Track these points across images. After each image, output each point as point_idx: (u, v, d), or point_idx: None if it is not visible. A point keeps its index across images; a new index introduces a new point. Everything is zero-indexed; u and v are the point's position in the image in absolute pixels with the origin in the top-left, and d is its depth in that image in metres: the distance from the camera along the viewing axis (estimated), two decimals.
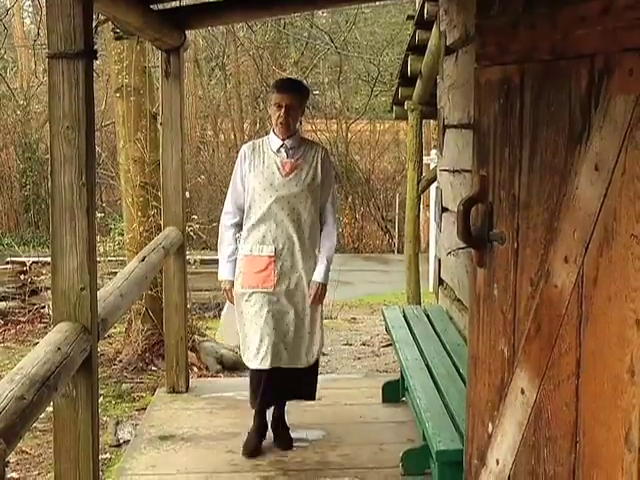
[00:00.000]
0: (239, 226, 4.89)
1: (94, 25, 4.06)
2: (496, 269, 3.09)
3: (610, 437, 2.35)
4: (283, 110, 4.69)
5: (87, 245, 3.19)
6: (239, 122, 18.97)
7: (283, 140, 4.78)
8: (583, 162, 2.44)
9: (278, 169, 4.76)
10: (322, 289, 4.86)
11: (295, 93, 4.75)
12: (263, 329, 4.74)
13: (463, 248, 3.32)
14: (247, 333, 4.83)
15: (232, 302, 4.94)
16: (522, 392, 2.86)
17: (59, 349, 2.94)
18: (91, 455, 3.26)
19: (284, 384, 4.86)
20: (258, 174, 4.76)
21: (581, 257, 2.48)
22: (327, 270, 4.87)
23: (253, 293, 4.77)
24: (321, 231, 4.91)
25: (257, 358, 4.77)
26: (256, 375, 4.85)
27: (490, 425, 3.12)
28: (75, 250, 3.19)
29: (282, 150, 4.79)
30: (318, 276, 4.83)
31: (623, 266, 2.27)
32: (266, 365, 4.74)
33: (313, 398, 5.01)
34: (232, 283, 4.88)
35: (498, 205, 3.06)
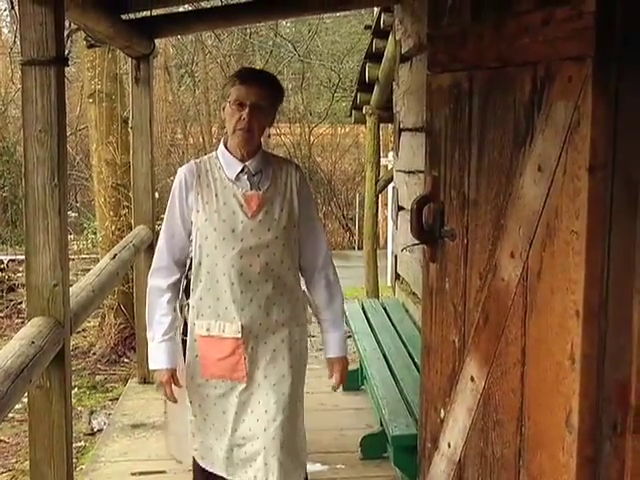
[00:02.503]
0: (177, 288, 3.28)
1: (66, 33, 4.03)
2: (447, 264, 3.10)
3: (552, 420, 2.37)
4: (247, 111, 3.07)
5: (59, 243, 3.17)
6: (207, 126, 18.84)
7: (244, 162, 3.16)
8: (527, 163, 2.46)
9: (241, 207, 3.12)
10: (345, 365, 3.44)
11: (266, 89, 3.15)
12: (230, 424, 3.23)
13: (416, 244, 3.33)
14: (206, 417, 3.30)
15: (173, 399, 3.30)
16: (472, 379, 2.88)
17: (33, 342, 2.92)
18: (65, 443, 3.24)
19: None
20: (211, 215, 3.12)
21: (526, 252, 2.49)
22: (344, 338, 3.42)
23: (221, 383, 3.23)
24: (308, 284, 3.41)
25: (211, 457, 3.33)
26: (202, 474, 3.42)
27: (442, 411, 3.13)
28: (48, 248, 3.16)
29: (243, 178, 3.17)
30: (338, 349, 3.38)
31: (564, 260, 2.29)
32: (222, 473, 3.31)
33: None
34: (171, 372, 3.24)
35: (449, 204, 3.07)
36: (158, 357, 3.25)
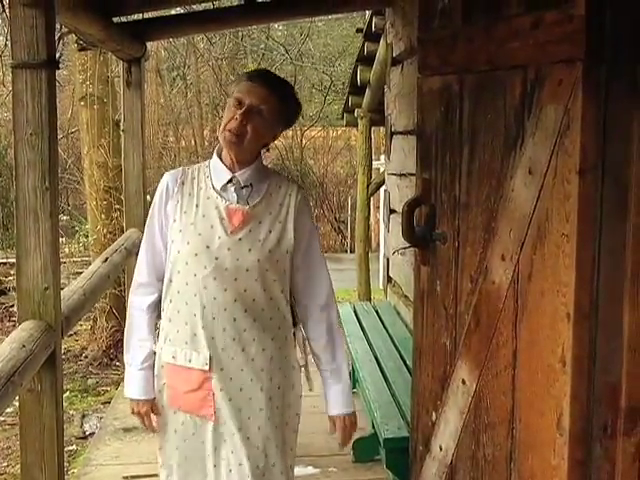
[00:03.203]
0: (157, 307, 2.89)
1: (57, 37, 4.03)
2: (438, 267, 3.10)
3: (543, 423, 2.37)
4: (242, 111, 2.65)
5: (51, 246, 3.17)
6: (199, 129, 18.87)
7: (233, 171, 2.76)
8: (518, 166, 2.47)
9: (221, 221, 2.72)
10: (352, 421, 2.93)
11: (273, 94, 2.70)
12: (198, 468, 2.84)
13: (408, 247, 3.34)
14: (170, 454, 2.89)
15: (153, 429, 2.95)
16: (463, 382, 2.88)
17: (24, 346, 2.92)
18: (56, 447, 3.24)
19: None
20: (187, 227, 2.73)
21: (517, 255, 2.50)
22: (348, 390, 2.93)
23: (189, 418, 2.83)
24: (305, 325, 2.92)
25: None
26: None
27: (434, 413, 3.14)
28: (39, 251, 3.16)
29: (230, 189, 2.76)
30: (340, 405, 2.91)
31: (555, 263, 2.30)
32: None
33: None
34: (151, 403, 2.87)
35: (440, 207, 3.07)
36: (136, 386, 2.88)
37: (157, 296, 2.87)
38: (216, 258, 2.69)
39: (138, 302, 2.90)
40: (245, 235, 2.72)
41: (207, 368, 2.73)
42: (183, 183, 2.81)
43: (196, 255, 2.70)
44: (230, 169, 2.77)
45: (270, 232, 2.75)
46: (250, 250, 2.71)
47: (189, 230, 2.73)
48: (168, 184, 2.83)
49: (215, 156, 2.84)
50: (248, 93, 2.69)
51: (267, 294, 2.76)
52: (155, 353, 2.87)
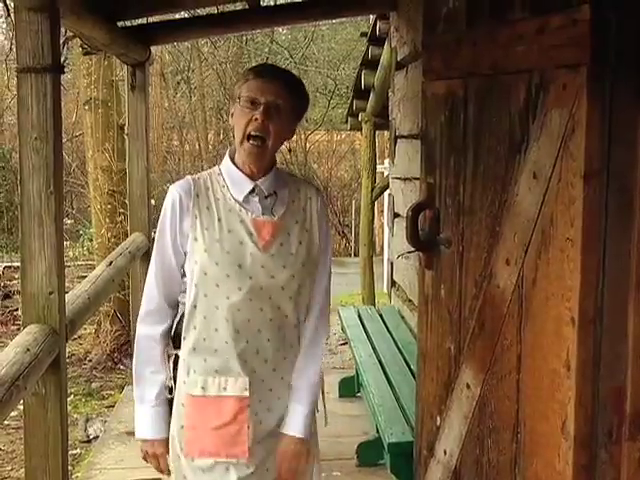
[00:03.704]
0: (169, 335, 2.62)
1: (62, 41, 4.04)
2: (443, 271, 3.10)
3: (548, 427, 2.37)
4: (261, 110, 2.43)
5: (55, 250, 3.17)
6: (203, 133, 18.87)
7: (254, 180, 2.53)
8: (522, 170, 2.46)
9: (250, 236, 2.48)
10: (298, 450, 2.61)
11: (287, 88, 2.50)
12: None
13: (412, 252, 3.33)
14: None
15: (168, 472, 2.67)
16: (467, 387, 2.88)
17: (28, 350, 2.92)
18: (60, 451, 3.24)
19: None
20: (212, 245, 2.47)
21: (521, 259, 2.50)
22: (309, 419, 2.63)
23: (212, 464, 2.51)
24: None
25: None
26: None
27: (438, 418, 3.13)
28: (44, 255, 3.16)
29: (254, 200, 2.54)
30: (293, 425, 2.61)
31: (559, 267, 2.29)
32: None
33: None
34: (164, 444, 2.62)
35: (444, 211, 3.07)
36: (150, 425, 2.62)
37: (169, 324, 2.61)
38: (250, 277, 2.46)
39: (149, 332, 2.61)
40: (277, 250, 2.51)
41: (247, 394, 2.49)
42: (198, 195, 2.52)
43: (228, 276, 2.45)
44: (250, 177, 2.54)
45: (300, 243, 2.56)
46: (284, 266, 2.51)
47: (216, 249, 2.46)
48: (181, 198, 2.51)
49: (228, 162, 2.58)
50: (261, 90, 2.45)
51: (297, 310, 2.57)
52: (166, 390, 2.61)
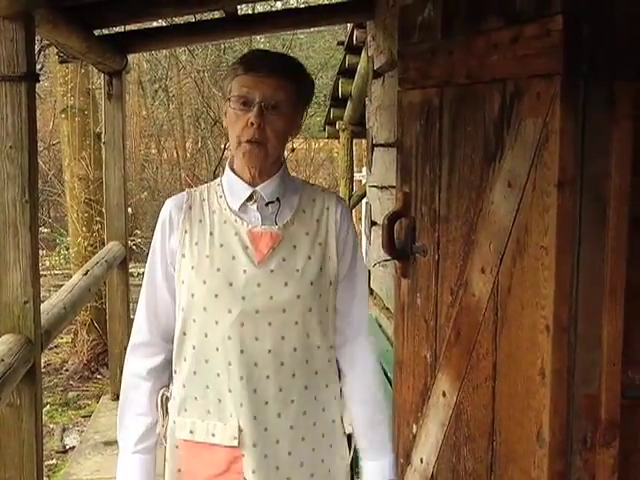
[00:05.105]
0: (164, 373, 2.30)
1: (38, 49, 4.02)
2: (419, 279, 3.11)
3: (523, 435, 2.38)
4: (255, 111, 2.09)
5: (30, 260, 3.16)
6: (181, 141, 18.85)
7: (254, 185, 2.21)
8: (497, 179, 2.47)
9: (245, 249, 2.16)
10: None
11: (284, 78, 2.14)
12: None
13: (388, 260, 3.34)
14: None
15: None
16: (443, 394, 2.88)
17: (2, 360, 2.90)
18: (35, 461, 3.23)
19: None
20: (201, 261, 2.16)
21: (496, 268, 2.50)
22: (393, 464, 2.51)
23: None
24: (340, 374, 2.39)
25: None
26: None
27: (414, 426, 3.13)
28: (19, 265, 3.15)
29: (252, 208, 2.22)
30: (384, 474, 2.47)
31: (534, 275, 2.30)
32: None
33: None
34: None
35: (420, 219, 3.08)
36: (127, 475, 2.31)
37: (162, 358, 2.27)
38: (243, 298, 2.11)
39: (136, 366, 2.28)
40: (278, 265, 2.14)
41: (236, 444, 2.12)
42: (190, 208, 2.21)
43: (216, 297, 2.11)
44: (250, 183, 2.21)
45: (310, 258, 2.18)
46: (286, 284, 2.13)
47: (204, 265, 2.14)
48: (171, 212, 2.22)
49: (228, 170, 2.27)
50: (254, 87, 2.10)
51: (311, 341, 2.18)
52: (160, 430, 2.31)
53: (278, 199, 2.20)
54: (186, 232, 2.17)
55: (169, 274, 2.20)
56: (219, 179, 2.30)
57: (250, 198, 2.20)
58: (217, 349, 2.12)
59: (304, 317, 2.15)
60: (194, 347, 2.16)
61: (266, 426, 2.13)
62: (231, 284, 2.11)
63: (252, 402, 2.11)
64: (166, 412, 2.28)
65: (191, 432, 2.19)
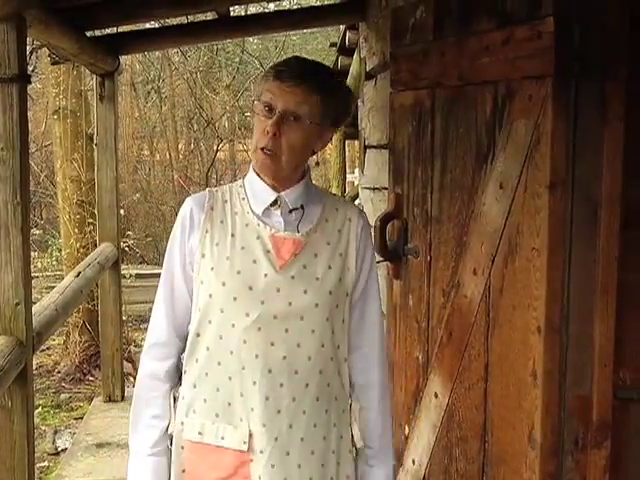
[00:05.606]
0: (176, 373, 2.22)
1: (30, 51, 4.02)
2: (411, 281, 3.11)
3: (515, 436, 2.38)
4: (273, 121, 2.03)
5: (22, 261, 3.15)
6: (174, 142, 18.82)
7: (277, 190, 2.15)
8: (489, 180, 2.48)
9: (266, 253, 2.11)
10: None
11: (311, 89, 2.04)
12: None
13: (380, 261, 3.34)
14: None
15: None
16: (436, 396, 2.88)
17: None
18: (27, 464, 3.22)
19: None
20: (221, 263, 2.11)
21: (488, 269, 2.51)
22: (393, 474, 2.30)
23: None
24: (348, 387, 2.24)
25: None
26: None
27: (406, 427, 3.14)
28: (10, 266, 3.14)
29: (275, 213, 2.15)
30: None
31: (526, 277, 2.31)
32: None
33: None
34: None
35: (412, 221, 3.08)
36: (144, 478, 2.20)
37: (177, 360, 2.22)
38: (262, 302, 2.06)
39: (153, 368, 2.22)
40: (298, 272, 2.10)
41: (246, 448, 2.07)
42: (212, 208, 2.17)
43: (235, 299, 2.07)
44: (273, 188, 2.15)
45: (330, 268, 2.13)
46: (306, 292, 2.09)
47: (224, 267, 2.09)
48: (192, 211, 2.17)
49: (252, 172, 2.20)
50: (279, 96, 2.04)
51: (326, 351, 2.12)
52: (170, 432, 2.21)
53: (302, 206, 2.16)
54: (207, 232, 2.13)
55: (187, 273, 2.16)
56: (241, 180, 2.24)
57: (274, 203, 2.14)
58: (231, 352, 2.08)
59: (321, 326, 2.10)
60: (208, 348, 2.12)
61: (277, 435, 2.08)
62: (251, 287, 2.07)
63: (264, 408, 2.07)
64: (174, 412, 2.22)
65: (200, 434, 2.13)
